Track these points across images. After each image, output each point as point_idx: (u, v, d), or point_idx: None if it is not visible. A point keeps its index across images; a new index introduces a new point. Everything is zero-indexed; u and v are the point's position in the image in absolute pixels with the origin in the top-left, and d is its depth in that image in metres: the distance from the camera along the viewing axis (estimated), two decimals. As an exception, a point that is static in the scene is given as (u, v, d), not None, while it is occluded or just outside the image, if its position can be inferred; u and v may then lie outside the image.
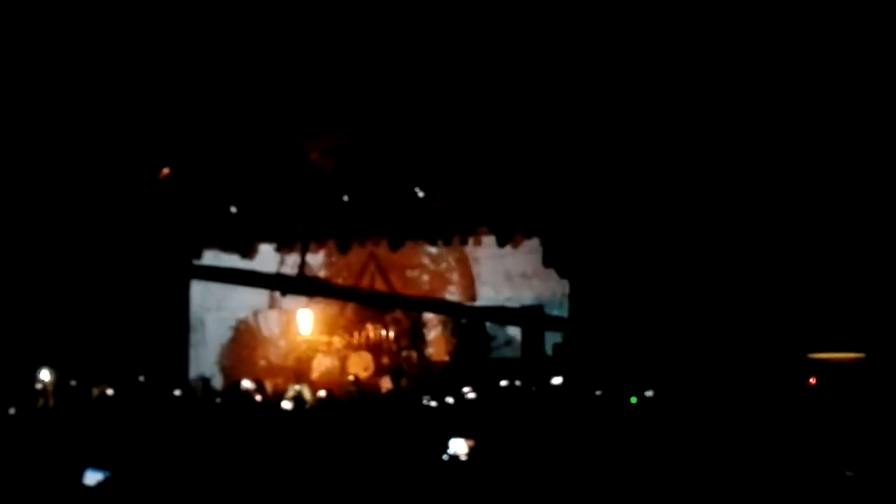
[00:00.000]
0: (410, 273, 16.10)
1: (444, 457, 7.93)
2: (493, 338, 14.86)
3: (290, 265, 15.37)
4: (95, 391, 13.01)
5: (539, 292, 15.20)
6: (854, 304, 11.21)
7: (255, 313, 16.64)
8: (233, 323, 16.66)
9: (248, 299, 16.42)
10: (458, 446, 7.72)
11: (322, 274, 15.82)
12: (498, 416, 10.08)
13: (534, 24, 11.83)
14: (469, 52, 12.43)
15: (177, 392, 13.77)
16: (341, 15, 12.37)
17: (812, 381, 10.81)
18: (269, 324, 16.54)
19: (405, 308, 15.61)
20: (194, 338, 16.27)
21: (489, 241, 15.23)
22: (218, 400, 14.16)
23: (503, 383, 12.83)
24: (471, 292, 15.92)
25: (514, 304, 15.16)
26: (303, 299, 15.36)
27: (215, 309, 16.50)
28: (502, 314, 14.44)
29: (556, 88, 12.78)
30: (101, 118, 13.08)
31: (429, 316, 15.84)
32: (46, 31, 11.84)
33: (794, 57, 11.10)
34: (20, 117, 12.26)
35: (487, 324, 15.20)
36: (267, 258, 15.76)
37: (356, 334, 15.75)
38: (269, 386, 14.49)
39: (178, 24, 12.26)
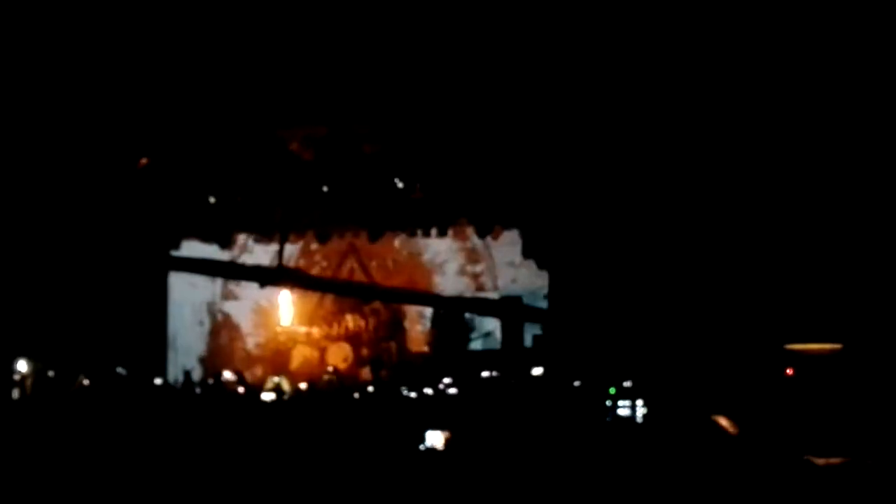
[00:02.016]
0: (389, 263, 16.07)
1: (421, 448, 7.94)
2: (472, 329, 14.85)
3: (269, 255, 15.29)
4: (79, 381, 12.96)
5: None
6: (830, 295, 11.26)
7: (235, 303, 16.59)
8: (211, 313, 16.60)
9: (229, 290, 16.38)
10: (435, 438, 7.73)
11: (301, 264, 15.75)
12: (475, 408, 10.10)
13: (510, 12, 11.82)
14: (446, 42, 12.41)
15: (157, 381, 13.75)
16: (321, 6, 12.33)
17: (789, 371, 10.88)
18: (249, 315, 16.47)
19: (384, 299, 15.59)
20: (172, 327, 16.18)
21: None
22: (199, 391, 14.14)
23: (483, 375, 12.85)
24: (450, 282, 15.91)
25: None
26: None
27: (193, 299, 16.42)
28: (481, 305, 14.47)
29: (533, 78, 12.78)
30: (79, 108, 12.98)
31: (408, 307, 15.83)
32: (23, 22, 11.74)
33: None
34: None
35: (467, 315, 15.18)
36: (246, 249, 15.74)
37: (335, 325, 15.72)
38: (248, 377, 14.48)
39: (158, 16, 12.18)
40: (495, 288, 15.55)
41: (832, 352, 10.83)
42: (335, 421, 10.65)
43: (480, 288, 15.66)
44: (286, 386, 13.51)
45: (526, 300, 14.47)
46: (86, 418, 11.19)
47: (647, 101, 12.18)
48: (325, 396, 13.31)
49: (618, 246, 13.03)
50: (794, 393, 10.30)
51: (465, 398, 11.59)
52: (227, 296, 16.31)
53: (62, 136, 13.07)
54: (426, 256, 15.95)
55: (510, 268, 15.45)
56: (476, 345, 15.22)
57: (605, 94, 12.47)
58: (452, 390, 12.15)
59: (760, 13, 10.59)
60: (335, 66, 13.07)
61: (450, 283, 15.82)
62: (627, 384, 11.29)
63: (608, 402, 10.57)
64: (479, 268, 15.77)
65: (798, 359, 10.90)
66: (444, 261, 15.93)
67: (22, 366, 12.98)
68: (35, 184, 12.97)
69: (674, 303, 12.11)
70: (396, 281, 15.74)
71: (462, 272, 15.87)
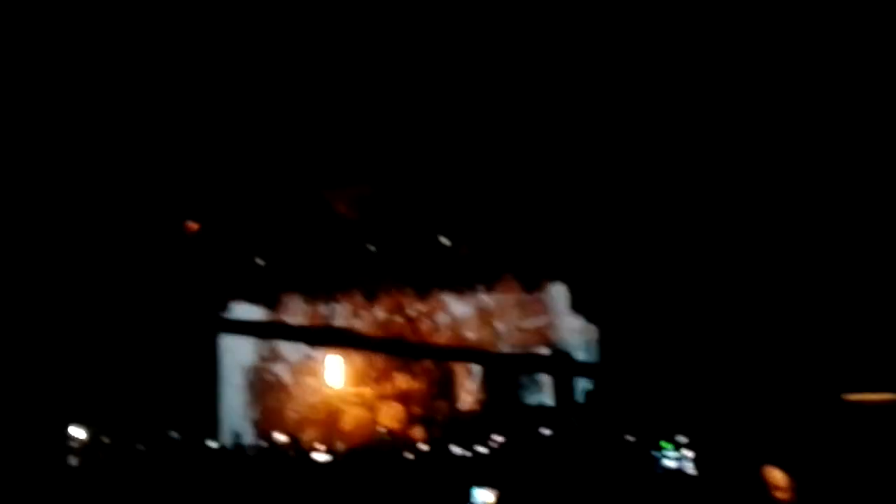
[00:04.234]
0: (438, 321, 16.03)
1: (470, 505, 7.86)
2: (522, 385, 14.73)
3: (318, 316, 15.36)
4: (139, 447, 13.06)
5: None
6: (887, 343, 11.02)
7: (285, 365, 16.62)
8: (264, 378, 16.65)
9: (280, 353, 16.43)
10: (483, 496, 7.64)
11: (350, 325, 15.78)
12: (524, 465, 10.00)
13: (550, 68, 11.86)
14: (488, 102, 12.48)
15: (212, 445, 13.79)
16: (365, 67, 12.47)
17: (851, 424, 10.61)
18: (300, 377, 16.49)
19: (434, 357, 15.54)
20: (223, 390, 16.25)
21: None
22: (251, 453, 14.17)
23: (534, 431, 12.74)
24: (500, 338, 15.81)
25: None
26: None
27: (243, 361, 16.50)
28: (530, 361, 14.36)
29: (576, 136, 12.79)
30: (129, 173, 13.20)
31: (458, 364, 15.76)
32: (79, 86, 11.99)
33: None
34: (46, 167, 12.39)
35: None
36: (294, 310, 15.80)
37: (386, 384, 15.68)
38: (301, 439, 14.49)
39: (205, 78, 12.39)
40: (553, 341, 15.40)
41: (892, 401, 10.57)
42: (387, 481, 10.60)
43: (539, 341, 15.52)
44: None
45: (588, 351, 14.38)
46: (141, 484, 11.27)
47: (687, 152, 12.12)
48: (377, 457, 13.26)
49: (666, 297, 12.91)
50: (851, 444, 10.04)
51: (514, 455, 11.48)
52: (274, 358, 16.35)
53: (116, 203, 13.30)
54: (474, 312, 15.90)
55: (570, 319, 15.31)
56: (529, 400, 15.10)
57: (651, 151, 12.43)
58: (503, 447, 12.04)
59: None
60: (380, 127, 13.20)
61: (503, 337, 15.74)
62: (681, 438, 11.12)
63: (656, 454, 10.41)
64: (535, 321, 15.67)
65: (857, 409, 10.63)
66: (496, 316, 15.87)
67: (77, 432, 13.09)
68: (87, 250, 13.18)
69: (726, 354, 11.93)
70: (445, 339, 15.70)
71: (515, 326, 15.79)
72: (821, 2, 10.08)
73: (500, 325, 15.83)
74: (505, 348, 15.45)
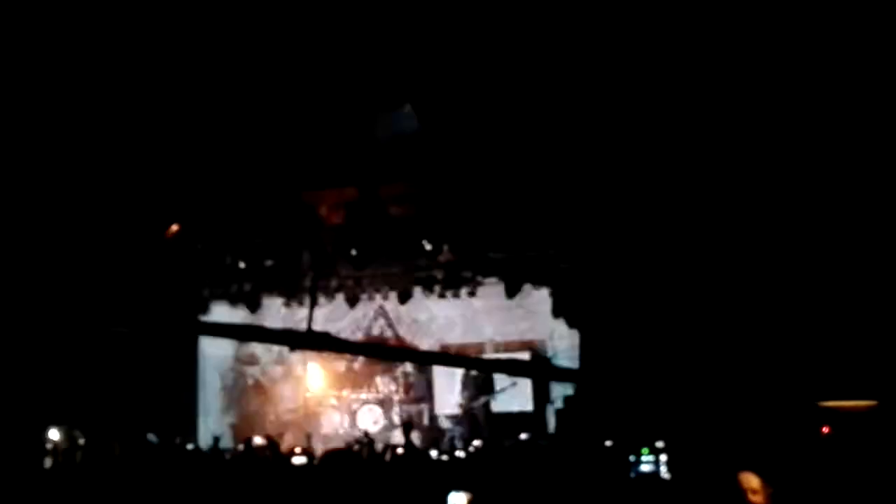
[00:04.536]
0: (420, 326, 16.02)
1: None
2: (503, 389, 14.71)
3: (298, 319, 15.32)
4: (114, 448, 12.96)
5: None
6: (864, 350, 11.05)
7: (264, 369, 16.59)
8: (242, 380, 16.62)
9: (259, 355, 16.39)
10: (457, 500, 7.60)
11: (331, 328, 15.74)
12: (501, 469, 9.96)
13: (538, 71, 11.86)
14: (472, 104, 12.47)
15: (188, 447, 13.71)
16: (348, 68, 12.44)
17: (825, 429, 10.63)
18: (279, 380, 16.46)
19: (414, 361, 15.51)
20: (202, 393, 16.21)
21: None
22: (228, 456, 14.09)
23: (513, 435, 12.72)
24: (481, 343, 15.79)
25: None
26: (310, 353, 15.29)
27: (221, 365, 16.47)
28: (510, 366, 14.34)
29: (560, 137, 12.79)
30: (111, 176, 13.14)
31: (438, 368, 15.75)
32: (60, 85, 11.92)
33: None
34: (26, 167, 12.32)
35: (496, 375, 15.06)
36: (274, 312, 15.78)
37: (366, 388, 15.65)
38: (279, 442, 14.41)
39: (185, 83, 12.35)
40: (534, 346, 15.39)
41: (868, 409, 10.58)
42: (364, 485, 10.55)
43: (520, 346, 15.50)
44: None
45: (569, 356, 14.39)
46: (117, 485, 11.18)
47: (682, 157, 12.13)
48: (355, 460, 13.20)
49: (648, 303, 12.92)
50: (828, 451, 10.06)
51: (493, 459, 11.44)
52: (253, 361, 16.32)
53: (94, 203, 13.23)
54: (455, 316, 15.89)
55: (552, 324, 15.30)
56: (508, 405, 15.10)
57: (638, 152, 12.44)
58: (481, 451, 12.01)
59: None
60: (363, 130, 13.17)
61: (484, 342, 15.74)
62: (660, 444, 11.10)
63: (632, 458, 10.39)
64: (518, 326, 15.66)
65: (832, 416, 10.64)
66: (477, 320, 15.86)
67: (53, 434, 13.01)
68: (65, 251, 13.11)
69: (705, 361, 11.94)
70: (426, 343, 15.69)
71: (497, 331, 15.77)
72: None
73: (481, 330, 15.84)
74: (486, 353, 15.46)
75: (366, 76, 12.24)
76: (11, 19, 10.19)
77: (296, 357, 15.83)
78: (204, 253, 14.70)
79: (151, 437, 13.64)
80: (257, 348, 16.07)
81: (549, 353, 14.92)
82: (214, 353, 16.14)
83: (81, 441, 13.22)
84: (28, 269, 12.47)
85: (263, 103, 12.53)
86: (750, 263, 12.08)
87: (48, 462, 12.81)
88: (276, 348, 15.60)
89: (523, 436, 12.50)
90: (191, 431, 15.36)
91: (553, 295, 15.01)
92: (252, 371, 16.48)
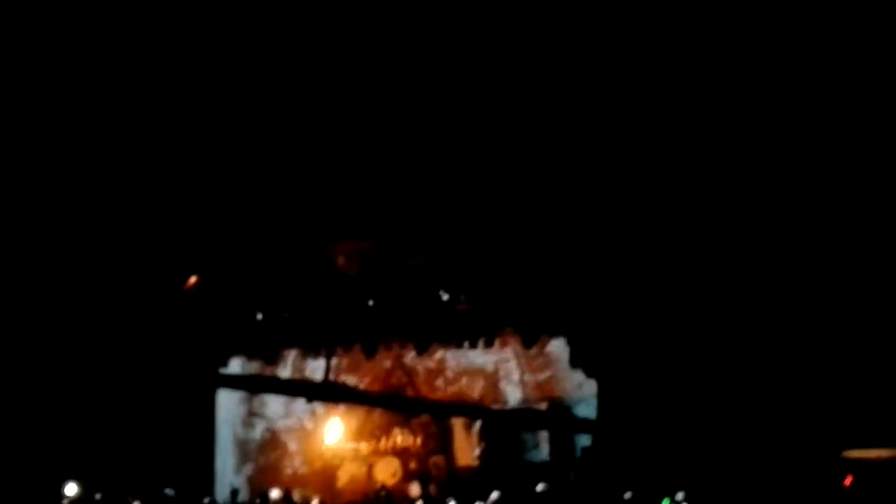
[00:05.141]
0: (437, 376, 15.94)
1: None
2: (521, 441, 14.61)
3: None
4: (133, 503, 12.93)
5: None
6: (887, 400, 10.96)
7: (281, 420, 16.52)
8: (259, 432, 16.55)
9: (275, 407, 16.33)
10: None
11: (348, 380, 15.69)
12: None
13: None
14: (483, 155, 12.54)
15: (206, 501, 13.64)
16: (362, 122, 12.55)
17: (849, 480, 10.51)
18: (296, 432, 16.37)
19: (432, 413, 15.42)
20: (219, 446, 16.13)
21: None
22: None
23: (534, 487, 12.60)
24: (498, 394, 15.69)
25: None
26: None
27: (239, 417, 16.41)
28: (529, 417, 14.25)
29: (576, 187, 12.83)
30: (129, 227, 13.22)
31: (456, 419, 15.64)
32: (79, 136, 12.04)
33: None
34: (46, 211, 12.41)
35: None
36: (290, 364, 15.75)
37: (383, 440, 15.55)
38: (296, 496, 14.32)
39: (203, 130, 12.46)
40: (552, 396, 15.27)
41: (892, 458, 10.46)
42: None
43: (539, 397, 15.40)
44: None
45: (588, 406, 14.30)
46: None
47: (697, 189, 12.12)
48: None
49: (666, 353, 12.86)
50: (852, 501, 9.93)
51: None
52: (270, 413, 16.24)
53: (113, 259, 13.31)
54: (473, 366, 15.81)
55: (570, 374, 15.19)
56: (528, 456, 14.99)
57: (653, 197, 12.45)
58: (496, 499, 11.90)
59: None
60: (379, 182, 13.25)
61: (502, 392, 15.65)
62: (680, 496, 10.99)
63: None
64: (536, 376, 15.58)
65: (857, 466, 10.53)
66: (496, 370, 15.79)
67: (71, 489, 12.98)
68: (82, 305, 13.16)
69: (725, 412, 11.85)
70: (444, 394, 15.61)
71: (515, 381, 15.69)
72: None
73: (499, 381, 15.76)
74: (504, 404, 15.38)
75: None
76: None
77: (314, 409, 15.75)
78: (222, 305, 14.71)
79: (169, 491, 13.59)
80: (273, 401, 16.00)
81: (570, 403, 14.80)
82: (230, 405, 16.08)
83: (98, 496, 13.18)
84: (47, 322, 12.53)
85: (280, 155, 12.64)
86: (766, 311, 12.03)
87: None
88: (293, 400, 15.54)
89: (540, 487, 12.39)
90: (208, 485, 15.26)
91: (570, 344, 14.95)
92: (270, 423, 16.41)
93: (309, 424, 16.11)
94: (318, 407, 15.40)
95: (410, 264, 14.69)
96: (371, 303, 15.11)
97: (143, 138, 12.06)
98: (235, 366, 15.40)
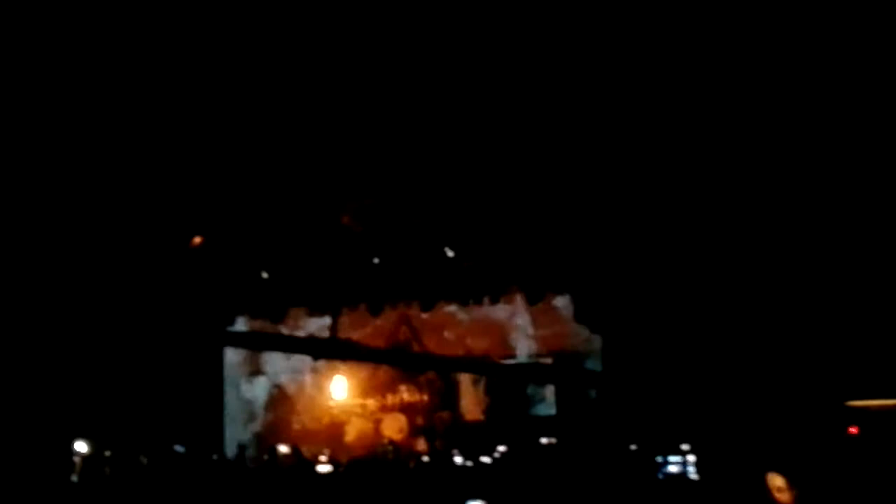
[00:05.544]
0: (443, 333, 16.00)
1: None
2: (527, 395, 14.69)
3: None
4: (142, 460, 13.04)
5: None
6: (890, 349, 10.98)
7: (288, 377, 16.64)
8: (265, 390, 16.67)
9: (283, 364, 16.43)
10: (475, 508, 7.61)
11: (354, 336, 15.76)
12: (525, 474, 9.97)
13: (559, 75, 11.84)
14: (494, 111, 12.48)
15: (214, 457, 13.76)
16: (370, 79, 12.48)
17: (853, 430, 10.56)
18: (303, 388, 16.50)
19: (438, 369, 15.51)
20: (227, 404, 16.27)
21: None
22: (253, 466, 14.14)
23: (538, 441, 12.70)
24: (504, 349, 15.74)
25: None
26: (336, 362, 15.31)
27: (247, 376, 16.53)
28: (533, 371, 14.33)
29: (582, 147, 12.78)
30: (134, 186, 13.21)
31: (462, 375, 15.73)
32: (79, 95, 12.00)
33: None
34: (50, 179, 12.41)
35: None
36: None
37: (389, 396, 15.66)
38: (304, 451, 14.45)
39: (211, 90, 12.40)
40: (558, 351, 15.31)
41: (894, 408, 10.51)
42: (389, 492, 10.57)
43: (544, 352, 15.45)
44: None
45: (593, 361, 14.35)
46: (144, 497, 11.25)
47: (699, 159, 12.09)
48: (380, 468, 13.22)
49: (671, 307, 12.88)
50: (855, 450, 9.99)
51: (515, 465, 11.43)
52: (278, 370, 16.35)
53: (121, 218, 13.31)
54: (478, 323, 15.85)
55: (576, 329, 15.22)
56: (533, 410, 15.09)
57: (658, 160, 12.40)
58: (505, 457, 12.00)
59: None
60: (384, 139, 13.20)
61: (507, 348, 15.70)
62: (685, 447, 11.06)
63: (659, 459, 10.37)
64: (541, 332, 15.61)
65: (860, 415, 10.58)
66: (501, 327, 15.83)
67: (81, 447, 13.09)
68: (94, 264, 13.20)
69: (731, 363, 11.89)
70: (450, 350, 15.67)
71: (520, 337, 15.73)
72: (820, 2, 10.06)
73: (505, 336, 15.82)
74: (510, 359, 15.45)
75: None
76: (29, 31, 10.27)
77: (320, 366, 15.85)
78: (227, 264, 14.74)
79: (178, 447, 13.71)
80: (279, 359, 16.10)
81: (580, 358, 14.84)
82: (238, 363, 16.19)
83: (108, 453, 13.29)
84: (54, 283, 12.57)
85: (286, 113, 12.58)
86: (774, 263, 12.02)
87: (75, 475, 12.90)
88: (300, 358, 15.62)
89: (544, 440, 12.50)
90: (217, 442, 15.40)
91: (574, 301, 14.97)
92: (277, 381, 16.53)
93: (315, 381, 16.24)
94: (324, 364, 15.51)
95: (416, 222, 14.67)
96: (376, 261, 15.14)
97: (146, 98, 12.02)
98: (241, 324, 15.48)
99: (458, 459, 12.65)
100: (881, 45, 10.09)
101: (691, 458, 10.58)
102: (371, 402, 15.63)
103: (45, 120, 11.40)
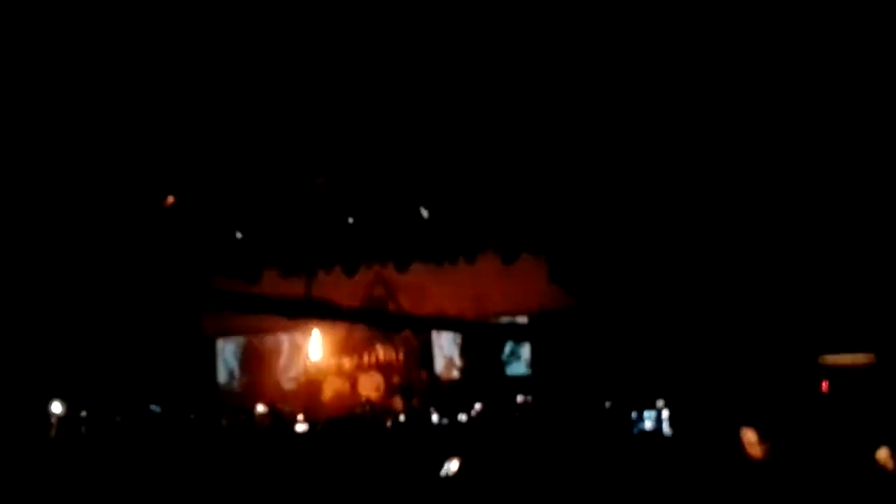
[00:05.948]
0: (418, 293, 16.01)
1: (441, 475, 7.86)
2: (502, 354, 14.78)
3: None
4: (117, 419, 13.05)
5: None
6: (862, 305, 11.10)
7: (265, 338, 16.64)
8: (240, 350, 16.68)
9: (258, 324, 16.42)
10: (452, 466, 7.66)
11: (330, 296, 15.76)
12: (498, 433, 10.06)
13: (530, 35, 11.81)
14: (470, 73, 12.43)
15: (192, 417, 13.78)
16: (341, 36, 12.39)
17: (825, 385, 10.69)
18: (279, 348, 16.52)
19: (413, 328, 15.55)
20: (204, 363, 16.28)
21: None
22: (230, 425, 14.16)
23: (514, 399, 12.80)
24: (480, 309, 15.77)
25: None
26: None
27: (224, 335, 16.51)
28: (508, 330, 14.41)
29: (555, 105, 12.76)
30: (106, 145, 13.10)
31: (438, 334, 15.79)
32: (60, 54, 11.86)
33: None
34: (29, 142, 12.29)
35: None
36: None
37: (366, 355, 15.68)
38: (281, 409, 14.48)
39: (183, 55, 12.28)
40: (529, 309, 15.35)
41: (866, 363, 10.65)
42: (366, 451, 10.62)
43: (518, 311, 15.49)
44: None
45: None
46: (120, 456, 11.25)
47: (666, 118, 12.12)
48: (357, 426, 13.28)
49: (644, 265, 12.95)
50: (827, 405, 10.13)
51: (493, 423, 11.52)
52: (254, 330, 16.35)
53: (93, 175, 13.21)
54: (453, 283, 15.85)
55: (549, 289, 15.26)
56: (508, 369, 15.19)
57: (628, 118, 12.41)
58: (480, 415, 12.09)
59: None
60: (359, 99, 13.13)
61: (483, 307, 15.73)
62: (659, 403, 11.18)
63: (633, 415, 10.48)
64: (515, 292, 15.64)
65: (831, 371, 10.72)
66: (476, 286, 15.84)
67: (56, 407, 13.08)
68: (65, 224, 13.11)
69: (703, 320, 12.00)
70: (425, 309, 15.69)
71: (495, 296, 15.75)
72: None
73: (480, 296, 15.83)
74: (485, 318, 15.49)
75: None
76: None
77: (296, 326, 15.86)
78: (201, 224, 14.68)
79: (154, 407, 13.72)
80: (254, 319, 16.06)
81: (551, 318, 14.89)
82: (213, 322, 16.16)
83: (83, 413, 13.29)
84: (27, 244, 12.50)
85: (260, 72, 12.48)
86: (748, 221, 12.11)
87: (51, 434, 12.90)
88: (273, 318, 15.61)
89: (520, 398, 12.58)
90: (193, 401, 15.39)
91: (549, 261, 15.00)
92: (253, 341, 16.53)
93: (291, 341, 16.26)
94: (302, 325, 15.52)
95: (390, 181, 14.64)
96: (351, 220, 15.13)
97: (119, 57, 11.89)
98: (215, 284, 15.42)
99: (435, 418, 12.73)
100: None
101: (665, 413, 10.69)
102: (347, 361, 15.65)
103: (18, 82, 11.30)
